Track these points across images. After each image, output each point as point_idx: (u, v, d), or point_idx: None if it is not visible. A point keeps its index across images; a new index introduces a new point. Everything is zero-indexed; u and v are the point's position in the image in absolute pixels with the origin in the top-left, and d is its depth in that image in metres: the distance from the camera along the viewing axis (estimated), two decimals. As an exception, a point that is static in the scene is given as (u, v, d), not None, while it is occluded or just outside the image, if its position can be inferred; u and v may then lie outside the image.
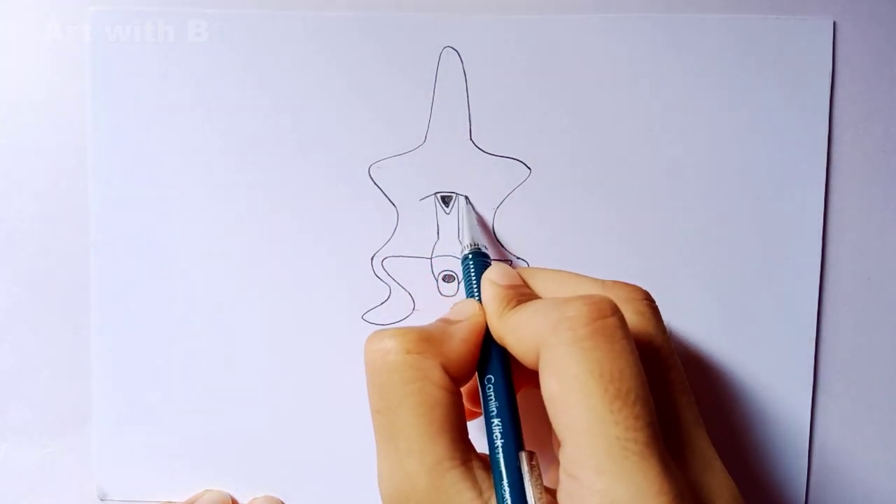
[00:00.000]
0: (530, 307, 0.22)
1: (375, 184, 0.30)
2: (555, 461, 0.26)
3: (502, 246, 0.31)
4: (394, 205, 0.31)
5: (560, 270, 0.26)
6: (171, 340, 0.31)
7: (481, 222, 0.30)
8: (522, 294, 0.24)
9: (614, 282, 0.25)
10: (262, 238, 0.31)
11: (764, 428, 0.31)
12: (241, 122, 0.30)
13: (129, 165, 0.31)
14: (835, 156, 0.31)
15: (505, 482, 0.21)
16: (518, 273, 0.26)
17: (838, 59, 0.30)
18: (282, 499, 0.31)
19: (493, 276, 0.25)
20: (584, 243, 0.30)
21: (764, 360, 0.31)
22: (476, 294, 0.26)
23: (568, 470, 0.19)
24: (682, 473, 0.20)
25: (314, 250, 0.31)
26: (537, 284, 0.26)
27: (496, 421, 0.22)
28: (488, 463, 0.22)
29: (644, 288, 0.25)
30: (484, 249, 0.28)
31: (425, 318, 0.31)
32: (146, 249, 0.31)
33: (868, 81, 0.30)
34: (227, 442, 0.31)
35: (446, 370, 0.22)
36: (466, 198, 0.30)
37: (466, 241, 0.28)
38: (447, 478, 0.21)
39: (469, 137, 0.30)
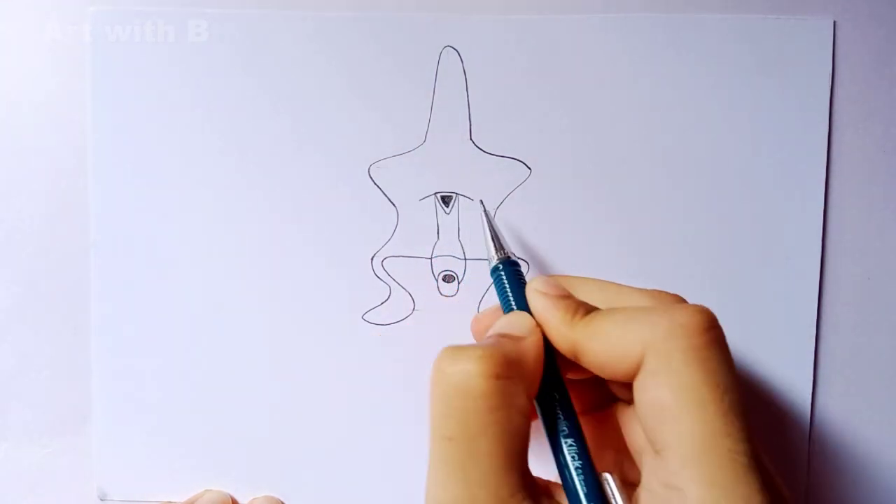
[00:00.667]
0: (617, 314, 0.22)
1: (375, 184, 0.30)
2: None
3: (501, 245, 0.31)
4: (394, 205, 0.31)
5: (599, 280, 0.26)
6: (170, 340, 0.31)
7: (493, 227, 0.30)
8: (582, 302, 0.23)
9: (659, 291, 0.24)
10: (262, 238, 0.31)
11: (764, 427, 0.31)
12: (241, 122, 0.30)
13: (129, 165, 0.31)
14: (835, 156, 0.31)
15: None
16: (556, 281, 0.25)
17: (838, 59, 0.30)
18: (282, 499, 0.31)
19: (543, 287, 0.24)
20: (584, 243, 0.30)
21: (764, 360, 0.31)
22: (514, 307, 0.25)
23: (668, 481, 0.19)
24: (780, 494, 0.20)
25: (314, 250, 0.31)
26: (579, 294, 0.25)
27: (569, 441, 0.21)
28: (550, 493, 0.21)
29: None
30: (514, 258, 0.26)
31: (425, 318, 0.31)
32: (146, 249, 0.31)
33: (868, 81, 0.30)
34: (227, 442, 0.31)
35: (528, 396, 0.21)
36: (482, 202, 0.30)
37: (493, 251, 0.26)
38: None
39: (469, 137, 0.30)
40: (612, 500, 0.20)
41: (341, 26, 0.30)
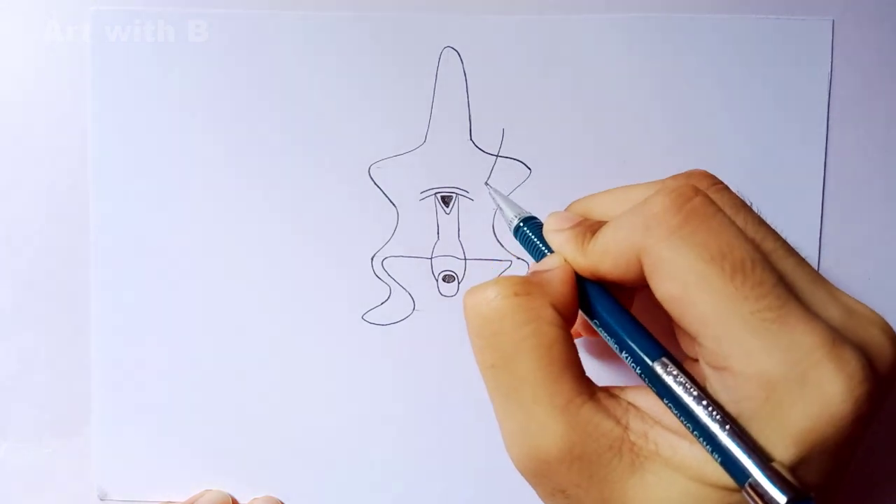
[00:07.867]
0: (609, 227, 0.21)
1: (375, 184, 0.31)
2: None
3: (502, 245, 0.31)
4: (394, 205, 0.31)
5: (611, 189, 0.25)
6: (171, 340, 0.31)
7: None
8: (591, 224, 0.23)
9: (671, 177, 0.23)
10: (262, 238, 0.31)
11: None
12: (241, 123, 0.30)
13: (129, 165, 0.31)
14: (832, 156, 0.31)
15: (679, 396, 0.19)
16: (573, 210, 0.25)
17: (837, 59, 0.30)
18: (282, 499, 0.31)
19: (554, 224, 0.24)
20: (583, 243, 0.30)
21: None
22: (547, 253, 0.25)
23: (714, 364, 0.19)
24: (826, 322, 0.19)
25: (314, 250, 0.31)
26: (595, 213, 0.24)
27: (623, 354, 0.21)
28: (611, 393, 0.21)
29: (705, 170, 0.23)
30: (529, 214, 0.26)
31: (425, 318, 0.31)
32: (146, 249, 0.31)
33: (867, 81, 0.30)
34: (227, 442, 0.31)
35: (555, 309, 0.21)
36: (487, 183, 0.30)
37: (511, 215, 0.27)
38: (582, 414, 0.20)
39: (469, 137, 0.30)
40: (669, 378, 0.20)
41: (341, 26, 0.30)
